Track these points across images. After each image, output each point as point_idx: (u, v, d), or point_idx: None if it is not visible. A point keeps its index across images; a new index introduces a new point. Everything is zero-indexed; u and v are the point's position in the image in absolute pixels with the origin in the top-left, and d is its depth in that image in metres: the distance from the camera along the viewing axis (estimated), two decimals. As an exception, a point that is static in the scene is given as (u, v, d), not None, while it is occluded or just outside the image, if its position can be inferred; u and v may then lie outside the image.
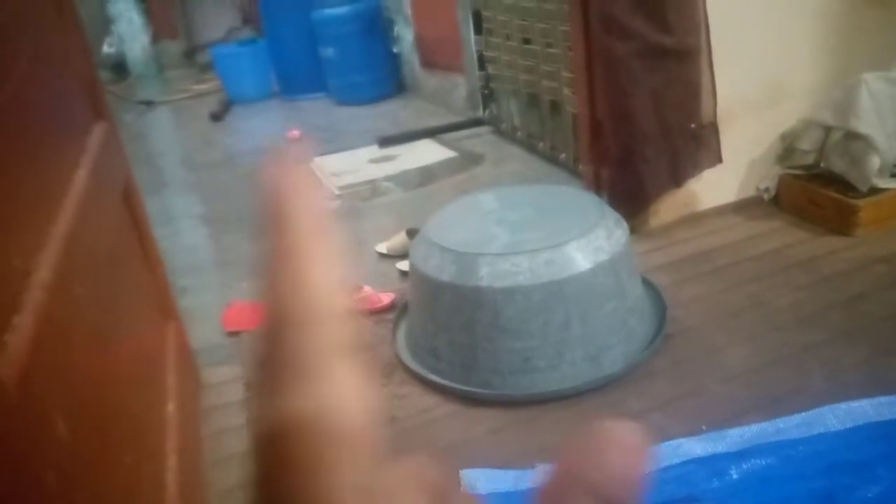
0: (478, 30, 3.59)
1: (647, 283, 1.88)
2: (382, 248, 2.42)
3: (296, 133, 4.18)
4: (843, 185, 2.13)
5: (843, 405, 1.40)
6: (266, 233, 0.18)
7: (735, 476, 1.29)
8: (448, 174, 3.19)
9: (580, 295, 1.61)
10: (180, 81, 6.44)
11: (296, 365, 0.17)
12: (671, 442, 1.37)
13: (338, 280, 0.18)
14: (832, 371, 1.52)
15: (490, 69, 3.58)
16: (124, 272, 1.36)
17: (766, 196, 2.36)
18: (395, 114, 4.48)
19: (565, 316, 1.59)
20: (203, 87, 5.95)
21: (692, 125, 2.15)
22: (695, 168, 2.22)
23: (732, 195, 2.38)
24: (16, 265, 0.78)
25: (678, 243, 2.19)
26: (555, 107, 2.95)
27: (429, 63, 4.49)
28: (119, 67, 6.75)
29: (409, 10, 4.54)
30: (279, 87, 5.38)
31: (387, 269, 2.29)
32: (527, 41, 3.06)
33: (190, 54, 7.12)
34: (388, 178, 3.16)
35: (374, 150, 3.61)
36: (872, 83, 2.10)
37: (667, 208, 2.30)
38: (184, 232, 2.96)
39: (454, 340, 1.67)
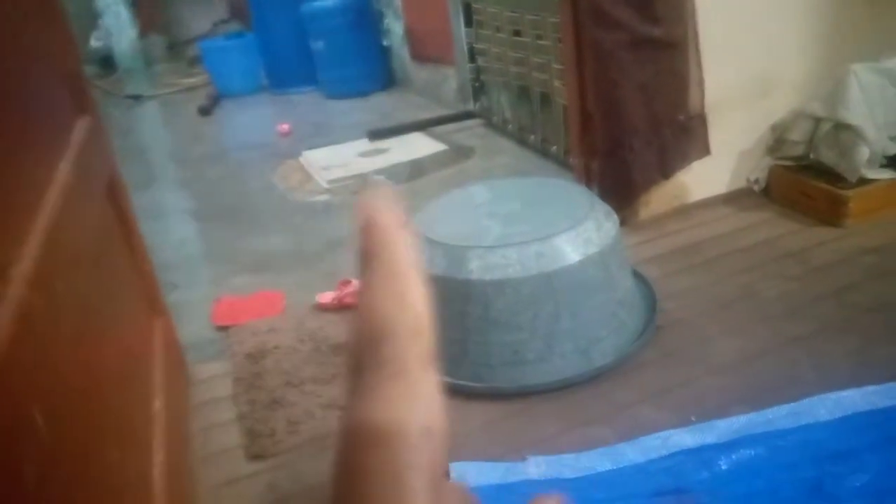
0: (468, 22, 3.58)
1: (637, 275, 1.88)
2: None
3: (285, 127, 4.15)
4: (833, 176, 2.13)
5: (832, 395, 1.41)
6: (369, 257, 0.21)
7: (724, 467, 1.30)
8: (438, 167, 3.18)
9: (570, 287, 1.60)
10: (168, 75, 6.40)
11: (388, 373, 0.20)
12: (661, 433, 1.37)
13: (428, 302, 0.21)
14: (821, 361, 1.53)
15: (480, 61, 3.57)
16: (109, 267, 1.35)
17: (756, 187, 2.36)
18: (385, 107, 4.47)
19: (555, 308, 1.59)
20: (191, 81, 5.91)
21: (680, 117, 2.15)
22: (683, 160, 2.21)
23: (723, 187, 2.38)
24: (-6, 259, 0.77)
25: (668, 235, 2.19)
26: (545, 99, 2.94)
27: (419, 56, 4.47)
28: (106, 61, 6.70)
29: (398, 3, 4.52)
30: (268, 80, 5.34)
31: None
32: (517, 33, 3.05)
33: (174, 48, 7.07)
34: (379, 172, 3.14)
35: (364, 144, 3.59)
36: (862, 74, 2.10)
37: (657, 200, 2.30)
38: (173, 227, 2.94)
39: (444, 334, 1.65)
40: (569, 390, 1.55)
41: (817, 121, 2.16)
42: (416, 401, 0.20)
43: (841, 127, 2.09)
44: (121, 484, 1.04)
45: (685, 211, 2.31)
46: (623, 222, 2.03)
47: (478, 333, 1.61)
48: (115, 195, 1.52)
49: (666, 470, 1.31)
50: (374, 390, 0.20)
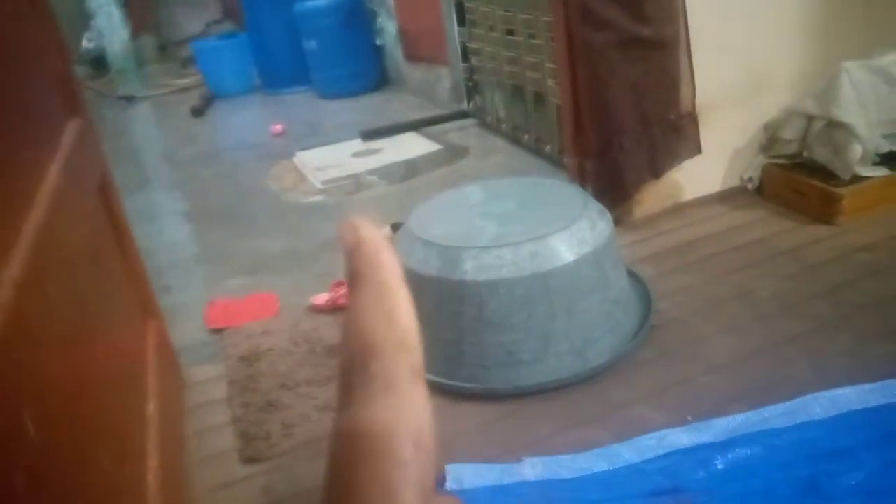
0: (461, 21, 3.57)
1: (631, 274, 1.88)
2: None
3: (279, 127, 4.14)
4: (826, 174, 2.13)
5: (827, 393, 1.41)
6: (357, 276, 0.23)
7: (720, 466, 1.29)
8: (432, 167, 3.17)
9: (564, 287, 1.60)
10: (161, 76, 6.37)
11: (377, 389, 0.21)
12: (657, 433, 1.37)
13: (414, 319, 0.23)
14: (816, 360, 1.53)
15: (474, 61, 3.57)
16: (101, 270, 1.34)
17: (749, 186, 2.36)
18: (378, 107, 4.46)
19: (550, 308, 1.58)
20: (184, 81, 5.89)
21: (671, 116, 2.15)
22: (674, 159, 2.21)
23: (716, 185, 2.38)
24: (-18, 264, 0.76)
25: (663, 234, 2.19)
26: (539, 98, 2.94)
27: (412, 55, 4.47)
28: (99, 62, 6.67)
29: (391, 2, 4.51)
30: (261, 81, 5.33)
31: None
32: (510, 32, 3.05)
33: (167, 48, 7.04)
34: (372, 172, 3.14)
35: (357, 144, 3.58)
36: (854, 72, 2.10)
37: (651, 199, 2.30)
38: (166, 229, 2.92)
39: (439, 335, 1.66)
40: (564, 391, 1.55)
41: (810, 119, 2.16)
42: (406, 414, 0.21)
43: (834, 125, 2.09)
44: (114, 489, 1.03)
45: (679, 210, 2.31)
46: (617, 221, 2.03)
47: (472, 334, 1.61)
48: (106, 197, 1.51)
49: (662, 470, 1.30)
50: (364, 405, 0.20)
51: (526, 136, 3.16)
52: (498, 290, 1.58)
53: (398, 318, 0.21)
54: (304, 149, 3.62)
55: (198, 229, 2.89)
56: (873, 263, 1.86)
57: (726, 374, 1.53)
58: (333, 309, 1.99)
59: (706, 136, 2.22)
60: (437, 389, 1.61)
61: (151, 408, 1.33)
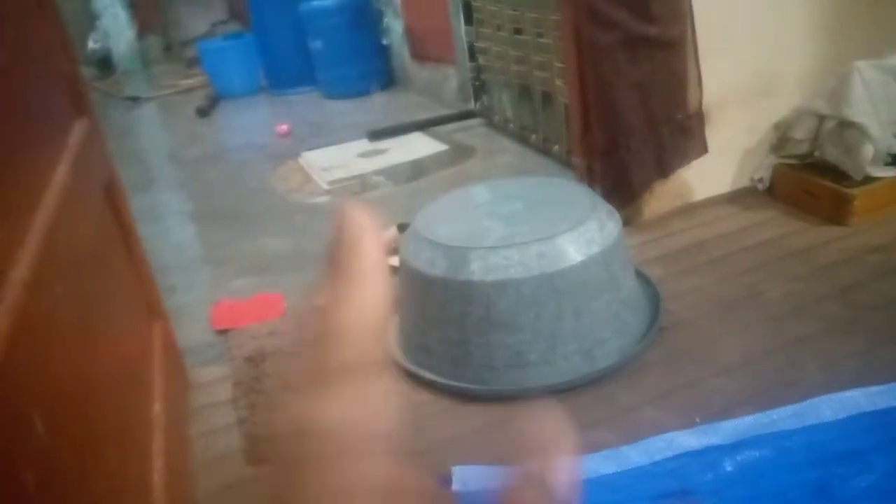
0: (468, 20, 3.56)
1: (640, 275, 1.87)
2: (373, 242, 2.39)
3: (284, 128, 4.14)
4: (838, 174, 2.12)
5: (837, 395, 1.39)
6: (334, 259, 0.21)
7: (729, 468, 1.28)
8: (439, 167, 3.16)
9: (572, 288, 1.59)
10: (167, 77, 6.38)
11: (332, 373, 0.20)
12: (665, 435, 1.36)
13: (387, 309, 0.21)
14: (826, 362, 1.51)
15: (481, 60, 3.56)
16: (107, 270, 1.34)
17: (760, 186, 2.35)
18: (385, 107, 4.45)
19: (558, 309, 1.58)
20: (190, 82, 5.90)
21: (678, 115, 2.13)
22: (682, 159, 2.20)
23: (727, 186, 2.37)
24: (-10, 264, 0.76)
25: (672, 235, 2.18)
26: (547, 98, 2.93)
27: (419, 55, 4.46)
28: (104, 63, 6.69)
29: (398, 1, 4.50)
30: (267, 81, 5.33)
31: (378, 263, 2.26)
32: (518, 31, 3.04)
33: (172, 49, 7.05)
34: (379, 173, 3.13)
35: (364, 144, 3.58)
36: (865, 71, 2.08)
37: (660, 199, 2.29)
38: (172, 229, 2.92)
39: (445, 336, 1.65)
40: (572, 392, 1.54)
41: (821, 118, 2.14)
42: (369, 409, 0.20)
43: (845, 125, 2.07)
44: (120, 489, 1.03)
45: (689, 210, 2.29)
46: (626, 222, 2.02)
47: (479, 335, 1.60)
48: (112, 197, 1.51)
49: (670, 472, 1.29)
50: (328, 393, 0.20)
51: (534, 136, 3.15)
52: (505, 291, 1.57)
53: (369, 306, 0.21)
54: (309, 149, 3.61)
55: (203, 230, 2.89)
56: (884, 265, 1.85)
57: (735, 375, 1.52)
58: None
59: (716, 136, 2.20)
60: (443, 391, 1.60)
61: (157, 408, 1.32)
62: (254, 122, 4.80)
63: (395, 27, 4.67)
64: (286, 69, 5.13)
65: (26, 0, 1.25)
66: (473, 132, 3.58)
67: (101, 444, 0.98)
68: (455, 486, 1.30)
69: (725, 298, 1.81)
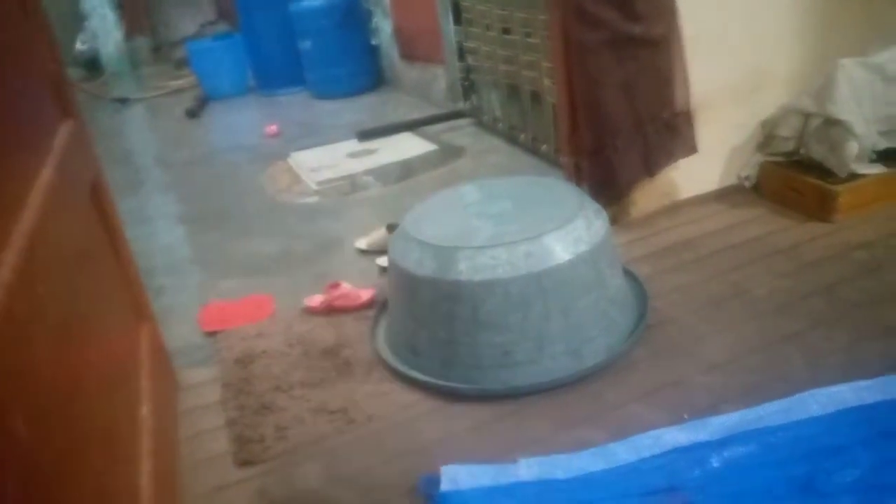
0: (457, 20, 3.57)
1: (627, 273, 1.87)
2: (362, 243, 2.39)
3: (273, 128, 4.13)
4: (823, 171, 2.13)
5: (823, 391, 1.40)
6: None
7: (716, 464, 1.29)
8: (428, 168, 3.17)
9: (560, 287, 1.59)
10: (155, 78, 6.36)
11: None
12: (652, 432, 1.37)
13: None
14: (812, 358, 1.53)
15: (470, 60, 3.56)
16: (93, 272, 1.33)
17: (747, 184, 2.36)
18: (374, 107, 4.45)
19: (545, 308, 1.58)
20: (178, 83, 5.88)
21: (664, 115, 2.14)
22: (668, 157, 2.21)
23: (714, 184, 2.38)
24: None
25: (659, 233, 2.19)
26: (535, 97, 2.94)
27: (408, 55, 4.46)
28: (92, 64, 6.65)
29: (387, 2, 4.50)
30: (256, 81, 5.32)
31: (366, 265, 2.27)
32: (507, 31, 3.04)
33: (161, 50, 7.02)
34: (368, 173, 3.13)
35: (353, 145, 3.57)
36: (850, 69, 2.10)
37: (648, 198, 2.30)
38: (161, 231, 2.91)
39: (434, 336, 1.65)
40: (560, 391, 1.55)
41: (807, 116, 2.16)
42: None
43: (830, 122, 2.09)
44: (107, 492, 1.02)
45: (676, 208, 2.31)
46: (614, 220, 2.03)
47: (467, 335, 1.60)
48: (99, 199, 1.50)
49: (658, 469, 1.30)
50: None
51: (522, 136, 3.15)
52: (493, 291, 1.58)
53: None
54: (299, 150, 3.61)
55: (192, 231, 2.88)
56: (869, 261, 1.86)
57: (722, 372, 1.53)
58: (328, 311, 1.98)
59: (703, 134, 2.22)
60: (431, 391, 1.61)
61: (144, 410, 1.32)
62: (243, 122, 4.79)
63: (384, 27, 4.67)
64: (275, 69, 5.12)
65: (10, 1, 1.24)
66: (463, 132, 3.59)
67: (86, 446, 0.97)
68: (444, 486, 1.30)
69: (712, 296, 1.82)
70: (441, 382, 1.61)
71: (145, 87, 6.13)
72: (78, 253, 1.23)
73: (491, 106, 3.43)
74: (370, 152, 3.42)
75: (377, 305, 1.96)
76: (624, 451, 1.34)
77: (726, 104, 2.28)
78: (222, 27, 6.37)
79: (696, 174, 2.32)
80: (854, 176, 2.09)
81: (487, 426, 1.48)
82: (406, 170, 3.14)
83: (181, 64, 6.19)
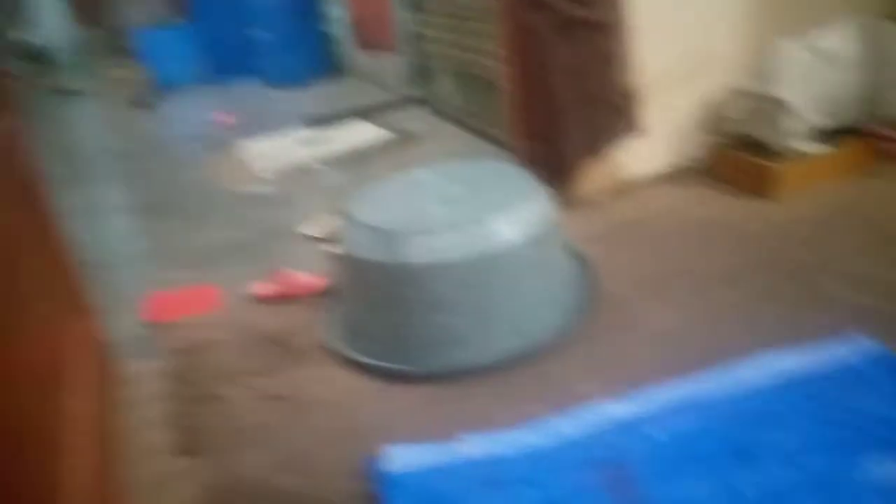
0: (411, 8, 3.54)
1: (575, 253, 1.88)
2: (313, 230, 2.37)
3: (225, 117, 4.06)
4: (767, 151, 2.17)
5: (761, 360, 1.43)
6: None
7: (658, 436, 1.30)
8: (381, 154, 3.14)
9: (508, 268, 1.60)
10: (104, 68, 6.20)
11: None
12: (596, 407, 1.38)
13: None
14: (752, 329, 1.55)
15: (425, 47, 3.54)
16: (24, 267, 1.29)
17: (694, 165, 2.39)
18: (328, 95, 4.40)
19: (493, 289, 1.58)
20: (127, 73, 5.73)
21: (610, 96, 2.15)
22: (614, 138, 2.22)
23: (661, 165, 2.40)
24: None
25: (608, 214, 2.20)
26: (488, 83, 2.93)
27: (362, 42, 4.42)
28: (39, 55, 6.44)
29: (340, -11, 4.45)
30: (208, 70, 5.22)
31: (317, 252, 2.24)
32: (460, 18, 3.03)
33: (110, 39, 6.84)
34: (320, 160, 3.09)
35: (305, 133, 3.53)
36: (792, 50, 2.14)
37: (597, 179, 2.31)
38: (107, 223, 2.84)
39: (382, 319, 1.65)
40: (505, 370, 1.55)
41: (751, 97, 2.19)
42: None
43: (773, 102, 2.13)
44: (43, 486, 1.00)
45: (625, 190, 2.32)
46: (564, 202, 2.04)
47: (415, 317, 1.60)
48: (33, 194, 1.45)
49: (601, 442, 1.31)
50: None
51: (476, 121, 3.15)
52: (441, 273, 1.57)
53: None
54: (251, 138, 3.55)
55: (140, 222, 2.81)
56: (808, 235, 1.90)
57: (665, 346, 1.55)
58: (277, 299, 1.95)
59: (650, 116, 2.23)
60: (377, 374, 1.60)
61: (82, 404, 1.29)
62: (194, 112, 4.69)
63: (338, 15, 4.62)
64: (227, 58, 5.02)
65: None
66: (416, 118, 3.57)
67: (18, 442, 0.94)
68: (385, 465, 1.30)
69: (658, 273, 1.84)
70: (387, 364, 1.60)
71: (93, 77, 5.96)
72: (5, 249, 1.18)
73: (445, 92, 3.42)
74: (323, 140, 3.38)
75: (327, 292, 1.94)
76: (568, 426, 1.35)
77: (672, 87, 2.30)
78: (174, 16, 6.23)
79: (645, 156, 2.34)
80: (796, 155, 2.13)
81: (432, 406, 1.48)
82: (359, 157, 3.11)
83: (130, 53, 6.04)
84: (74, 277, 1.59)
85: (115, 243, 2.60)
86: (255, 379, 1.62)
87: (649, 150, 2.34)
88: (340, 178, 2.96)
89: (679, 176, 2.37)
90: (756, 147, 2.20)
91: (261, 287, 1.99)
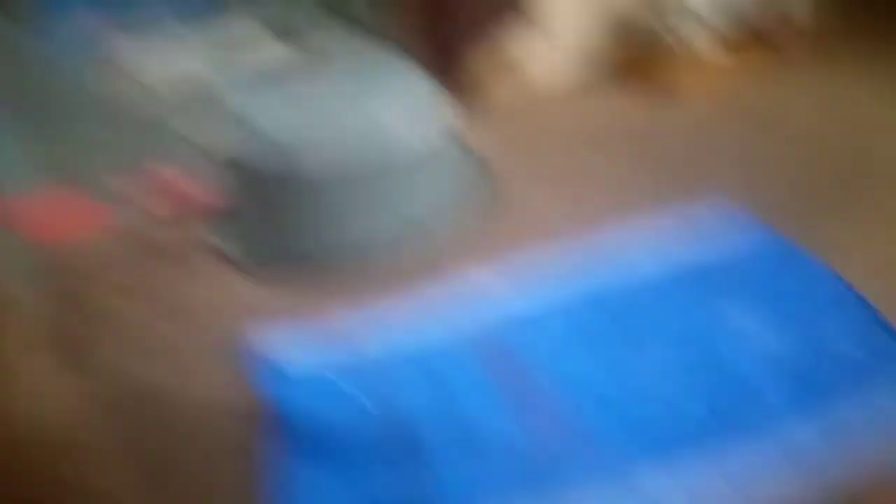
0: None
1: (476, 158, 1.88)
2: (201, 136, 2.24)
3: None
4: (672, 56, 2.22)
5: (651, 245, 1.51)
6: None
7: (549, 325, 1.35)
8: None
9: (406, 172, 1.59)
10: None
11: None
12: (490, 298, 1.42)
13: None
14: (640, 212, 1.63)
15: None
16: None
17: (603, 72, 2.37)
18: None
19: (389, 191, 1.57)
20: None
21: None
22: (501, 24, 2.16)
23: (569, 73, 2.36)
24: None
25: (512, 121, 2.17)
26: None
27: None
28: None
29: None
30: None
31: (205, 158, 2.11)
32: None
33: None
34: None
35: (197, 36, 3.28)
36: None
37: (504, 87, 2.25)
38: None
39: (274, 228, 1.61)
40: (399, 263, 1.56)
41: (658, 3, 2.20)
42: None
43: (679, 9, 2.15)
44: None
45: (532, 99, 2.27)
46: (468, 110, 2.00)
47: (310, 226, 1.57)
48: None
49: (495, 335, 1.34)
50: None
51: (368, 19, 3.01)
52: (338, 179, 1.54)
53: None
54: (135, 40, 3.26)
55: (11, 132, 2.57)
56: (705, 135, 1.99)
57: (558, 236, 1.59)
58: (165, 210, 1.85)
59: (558, 25, 2.20)
60: (274, 282, 1.57)
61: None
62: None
63: None
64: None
65: None
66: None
67: None
68: (277, 366, 1.29)
69: (556, 173, 1.88)
70: (278, 266, 1.58)
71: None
72: None
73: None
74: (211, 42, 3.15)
75: (217, 202, 1.85)
76: (464, 319, 1.38)
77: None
78: None
79: (552, 64, 2.30)
80: (703, 60, 2.21)
81: (325, 300, 1.48)
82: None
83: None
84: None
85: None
86: (144, 292, 1.57)
87: (555, 59, 2.31)
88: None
89: (587, 84, 2.35)
90: (662, 52, 2.23)
91: (147, 198, 1.88)
